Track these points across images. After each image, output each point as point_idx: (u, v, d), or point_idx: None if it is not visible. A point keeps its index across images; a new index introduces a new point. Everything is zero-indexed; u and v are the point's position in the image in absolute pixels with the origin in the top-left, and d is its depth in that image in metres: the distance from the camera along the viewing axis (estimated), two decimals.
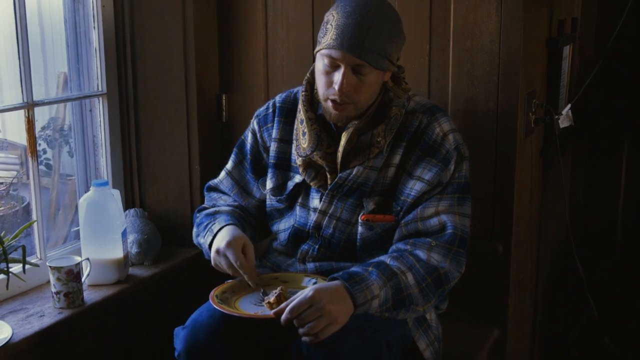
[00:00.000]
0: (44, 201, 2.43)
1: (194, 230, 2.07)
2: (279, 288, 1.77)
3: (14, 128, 2.41)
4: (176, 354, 1.82)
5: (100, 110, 2.46)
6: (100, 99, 2.45)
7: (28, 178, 2.26)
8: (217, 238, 1.90)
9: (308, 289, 1.68)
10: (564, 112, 2.45)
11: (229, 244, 1.84)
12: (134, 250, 2.36)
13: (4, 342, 1.85)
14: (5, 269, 1.80)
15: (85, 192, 2.39)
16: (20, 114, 2.16)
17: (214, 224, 1.96)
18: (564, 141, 2.66)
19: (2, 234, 1.81)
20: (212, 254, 1.88)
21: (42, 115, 2.45)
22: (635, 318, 2.63)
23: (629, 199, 2.92)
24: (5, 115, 2.30)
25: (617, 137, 2.93)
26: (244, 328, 1.80)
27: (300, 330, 1.65)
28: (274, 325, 1.70)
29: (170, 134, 2.50)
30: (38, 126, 2.25)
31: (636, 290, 2.77)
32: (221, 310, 1.76)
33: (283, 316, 1.65)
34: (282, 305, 1.68)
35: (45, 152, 2.54)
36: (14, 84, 2.17)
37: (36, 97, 2.17)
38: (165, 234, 2.51)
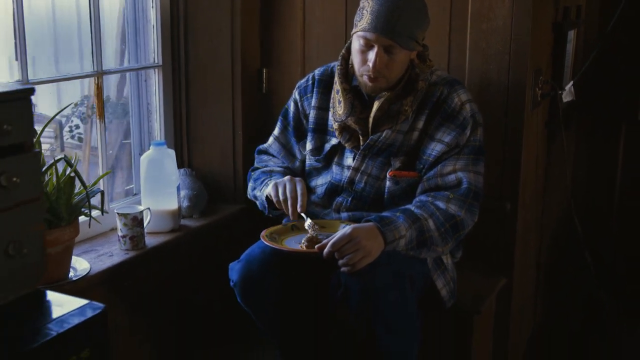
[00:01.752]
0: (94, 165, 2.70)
1: (250, 184, 2.39)
2: (305, 235, 2.09)
3: (45, 102, 2.66)
4: (232, 284, 2.15)
5: (155, 81, 2.78)
6: (156, 70, 2.76)
7: (94, 139, 2.57)
8: (270, 184, 2.22)
9: (347, 227, 2.00)
10: (567, 88, 2.76)
11: (290, 179, 2.18)
12: (185, 204, 2.68)
13: (84, 274, 2.17)
14: (88, 211, 2.11)
15: (139, 154, 2.72)
16: (52, 88, 2.42)
17: (271, 179, 2.28)
18: (568, 116, 2.96)
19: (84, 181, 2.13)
20: (274, 186, 2.19)
21: (74, 93, 2.69)
22: (628, 276, 2.93)
23: (627, 173, 3.23)
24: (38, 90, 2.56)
25: (615, 116, 3.23)
26: (290, 261, 2.12)
27: (340, 262, 1.97)
28: (316, 259, 2.02)
29: (217, 103, 2.81)
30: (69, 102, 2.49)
31: (631, 251, 3.07)
32: (271, 246, 2.08)
33: (326, 249, 1.97)
34: (325, 241, 2.00)
35: (78, 127, 2.79)
36: (87, 55, 2.48)
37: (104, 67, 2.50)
38: (211, 191, 2.83)
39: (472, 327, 2.44)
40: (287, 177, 2.23)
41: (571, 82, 2.79)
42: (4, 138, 1.18)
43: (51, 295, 1.30)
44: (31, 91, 1.24)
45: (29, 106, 1.22)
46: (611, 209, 3.24)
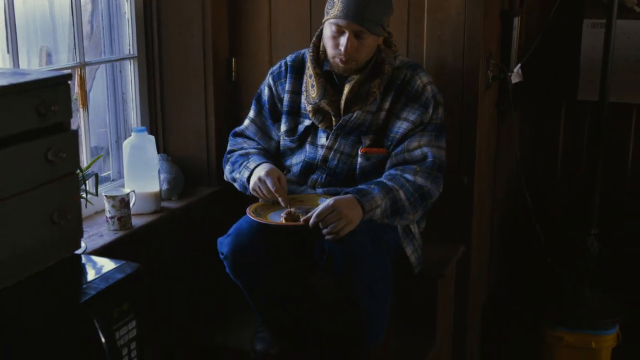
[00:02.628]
0: None
1: (228, 167, 2.55)
2: (284, 211, 2.29)
3: None
4: (222, 256, 2.33)
5: (130, 71, 2.92)
6: (132, 61, 2.91)
7: (80, 127, 2.70)
8: (255, 171, 2.39)
9: (329, 199, 2.20)
10: (515, 70, 3.01)
11: (268, 173, 2.35)
12: (164, 187, 2.84)
13: (82, 251, 2.32)
14: (85, 193, 2.26)
15: (116, 142, 2.87)
16: None
17: (249, 162, 2.45)
18: (515, 98, 3.21)
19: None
20: (253, 182, 2.36)
21: None
22: (572, 242, 3.20)
23: (567, 146, 3.51)
24: None
25: (557, 96, 3.51)
26: (275, 234, 2.31)
27: (324, 231, 2.17)
28: (302, 230, 2.22)
29: (190, 91, 2.96)
30: None
31: (574, 217, 3.34)
32: (258, 221, 2.27)
33: (311, 220, 2.17)
34: (310, 213, 2.20)
35: None
36: (69, 48, 2.61)
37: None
38: (186, 175, 2.99)
39: (436, 290, 2.68)
40: (263, 173, 2.39)
41: (519, 65, 3.04)
42: (51, 118, 1.33)
43: (88, 259, 1.46)
44: (70, 76, 1.39)
45: (68, 89, 1.38)
46: (555, 179, 3.52)
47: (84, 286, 1.36)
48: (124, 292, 1.39)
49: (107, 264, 1.44)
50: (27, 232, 1.30)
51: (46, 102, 1.32)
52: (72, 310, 1.31)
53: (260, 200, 2.45)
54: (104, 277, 1.38)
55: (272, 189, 2.34)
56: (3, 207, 1.24)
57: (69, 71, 1.40)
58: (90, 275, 1.39)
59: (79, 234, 1.44)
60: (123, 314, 1.38)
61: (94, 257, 1.46)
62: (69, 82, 1.37)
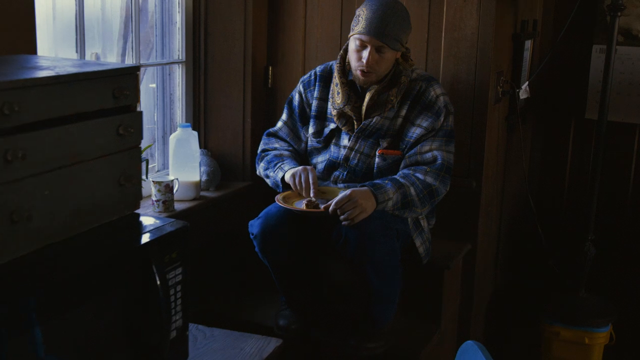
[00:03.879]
0: None
1: (262, 164, 2.87)
2: (306, 199, 2.61)
3: None
4: (252, 236, 2.66)
5: (179, 74, 3.28)
6: (180, 65, 3.27)
7: None
8: (289, 170, 2.72)
9: (346, 190, 2.53)
10: (523, 87, 3.31)
11: (304, 169, 2.68)
12: (203, 178, 3.18)
13: None
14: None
15: (162, 137, 3.23)
16: None
17: (284, 164, 2.77)
18: (524, 112, 3.52)
19: None
20: (293, 171, 2.68)
21: None
22: (572, 246, 3.48)
23: (575, 160, 3.80)
24: None
25: (567, 112, 3.80)
26: (299, 219, 2.64)
27: (341, 217, 2.50)
28: (322, 216, 2.55)
29: (230, 94, 3.31)
30: None
31: (576, 224, 3.62)
32: (286, 207, 2.60)
33: (331, 207, 2.50)
34: (329, 202, 2.52)
35: None
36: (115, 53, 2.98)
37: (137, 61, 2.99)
38: (223, 169, 3.33)
39: (442, 280, 2.98)
40: (300, 168, 2.73)
41: (527, 82, 3.34)
42: (123, 100, 1.67)
43: (144, 217, 1.79)
44: (138, 68, 1.73)
45: (137, 79, 1.71)
46: (562, 189, 3.82)
47: (142, 235, 1.69)
48: (173, 242, 1.71)
49: (160, 220, 1.77)
50: (101, 189, 1.64)
51: (120, 87, 1.66)
52: (133, 252, 1.64)
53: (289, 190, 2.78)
54: (158, 229, 1.71)
55: (310, 180, 2.66)
56: (85, 167, 1.58)
57: (137, 64, 1.74)
58: (147, 227, 1.72)
59: (139, 196, 1.77)
60: (172, 260, 1.71)
61: (150, 216, 1.80)
62: (137, 73, 1.72)
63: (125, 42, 2.98)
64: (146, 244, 1.65)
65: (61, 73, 1.53)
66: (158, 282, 1.64)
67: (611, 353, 3.39)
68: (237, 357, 1.88)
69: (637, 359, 3.58)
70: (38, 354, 1.40)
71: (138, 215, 1.78)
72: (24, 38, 2.07)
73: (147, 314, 1.67)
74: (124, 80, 1.68)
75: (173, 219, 1.78)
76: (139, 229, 1.71)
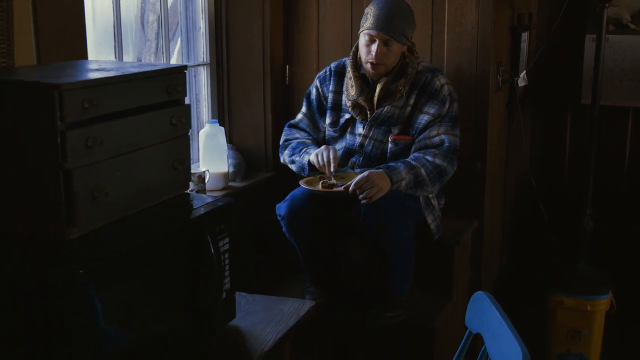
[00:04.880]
0: None
1: (287, 152, 3.13)
2: (321, 182, 2.89)
3: None
4: (280, 217, 2.94)
5: (204, 76, 3.56)
6: (205, 67, 3.55)
7: None
8: (313, 153, 2.98)
9: (364, 172, 2.80)
10: (521, 75, 3.59)
11: (326, 147, 2.96)
12: (230, 170, 3.46)
13: None
14: None
15: (189, 134, 3.50)
16: None
17: (308, 149, 3.05)
18: (524, 99, 3.79)
19: None
20: (317, 151, 2.95)
21: None
22: (573, 221, 3.74)
23: (573, 143, 4.08)
24: None
25: (563, 99, 4.08)
26: (322, 200, 2.91)
27: (360, 196, 2.77)
28: (342, 196, 2.82)
29: (251, 92, 3.59)
30: None
31: (575, 201, 3.87)
32: (310, 189, 2.88)
33: (350, 187, 2.78)
34: (348, 182, 2.80)
35: None
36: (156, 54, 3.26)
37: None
38: (248, 161, 3.61)
39: (453, 255, 3.25)
40: (323, 147, 3.01)
41: (524, 71, 3.62)
42: (174, 94, 1.94)
43: (194, 195, 2.07)
44: (186, 67, 2.01)
45: (184, 76, 1.99)
46: (562, 170, 4.09)
47: (194, 210, 1.97)
48: (221, 215, 1.98)
49: (209, 198, 2.05)
50: (159, 172, 1.91)
51: (172, 84, 1.93)
52: (190, 223, 1.92)
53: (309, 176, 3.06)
54: (208, 204, 1.99)
55: (331, 157, 2.93)
56: (146, 152, 1.86)
57: (185, 64, 2.02)
58: (199, 204, 2.00)
59: (189, 178, 2.04)
60: (221, 231, 1.98)
61: (199, 194, 2.08)
62: (185, 71, 2.00)
63: (157, 47, 3.26)
64: (201, 216, 1.92)
65: (126, 73, 1.81)
66: (212, 250, 1.92)
67: (613, 320, 3.64)
68: (277, 315, 2.15)
69: (637, 325, 3.84)
70: (99, 324, 1.65)
71: (189, 194, 2.06)
72: (78, 46, 2.35)
73: (200, 279, 1.95)
74: (174, 78, 1.96)
75: (219, 197, 2.06)
76: (192, 205, 1.99)
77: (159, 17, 3.24)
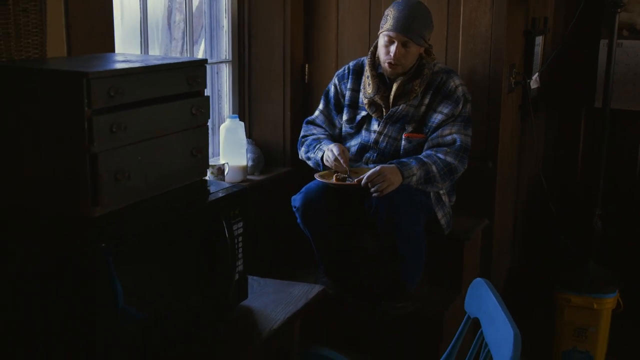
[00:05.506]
0: None
1: (303, 149, 3.27)
2: (335, 175, 3.00)
3: None
4: (295, 209, 3.06)
5: (226, 72, 3.69)
6: (227, 64, 3.68)
7: None
8: (326, 149, 3.11)
9: (376, 167, 2.91)
10: (533, 77, 3.68)
11: (337, 145, 3.08)
12: (249, 163, 3.59)
13: None
14: None
15: (211, 129, 3.63)
16: None
17: (321, 145, 3.17)
18: (537, 101, 3.88)
19: None
20: (326, 152, 3.08)
21: None
22: (583, 221, 3.82)
23: (586, 145, 4.16)
24: None
25: (577, 102, 4.16)
26: (335, 192, 3.03)
27: (372, 189, 2.89)
28: (355, 189, 2.94)
29: (271, 90, 3.72)
30: None
31: (586, 202, 3.95)
32: (324, 182, 2.99)
33: (363, 181, 2.89)
34: (361, 176, 2.92)
35: None
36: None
37: None
38: (266, 156, 3.73)
39: (463, 251, 3.35)
40: (331, 145, 3.13)
41: (537, 74, 3.71)
42: (195, 86, 2.07)
43: (211, 182, 2.19)
44: (206, 60, 2.14)
45: (205, 69, 2.11)
46: (574, 172, 4.18)
47: (211, 195, 2.09)
48: (236, 201, 2.11)
49: (224, 185, 2.17)
50: (178, 158, 2.04)
51: (192, 76, 2.06)
52: (206, 207, 2.04)
53: (324, 170, 3.18)
54: (224, 190, 2.11)
55: (337, 153, 3.05)
56: (166, 139, 1.98)
57: (205, 58, 2.14)
58: (215, 189, 2.12)
59: (206, 165, 2.17)
60: (235, 215, 2.10)
61: (216, 180, 2.20)
62: (205, 65, 2.12)
63: (182, 47, 3.40)
64: (216, 200, 2.05)
65: (149, 64, 1.94)
66: (226, 233, 2.04)
67: (620, 319, 3.72)
68: (287, 298, 2.27)
69: None
70: (119, 297, 1.77)
71: (206, 180, 2.18)
72: (106, 41, 2.49)
73: (215, 260, 2.07)
74: (195, 70, 2.09)
75: (234, 184, 2.18)
76: (208, 190, 2.11)
77: (185, 17, 3.38)
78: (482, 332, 2.00)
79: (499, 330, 1.85)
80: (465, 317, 2.11)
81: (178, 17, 3.43)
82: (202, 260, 2.03)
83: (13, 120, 1.81)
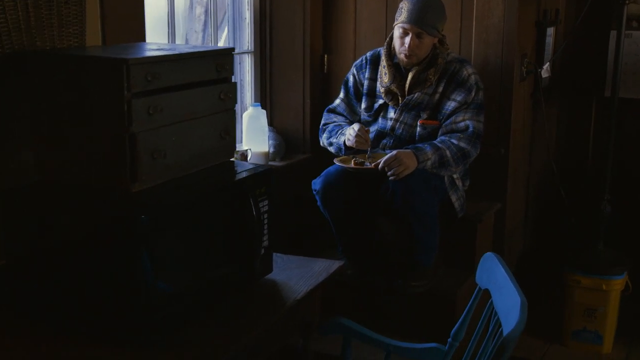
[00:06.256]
0: None
1: (325, 135, 3.42)
2: (353, 160, 3.15)
3: None
4: (315, 192, 3.21)
5: (248, 63, 3.85)
6: (249, 55, 3.83)
7: None
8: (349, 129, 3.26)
9: (393, 151, 3.06)
10: (544, 67, 3.81)
11: (357, 124, 3.24)
12: (271, 150, 3.74)
13: None
14: None
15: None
16: None
17: (343, 130, 3.33)
18: (549, 90, 4.01)
19: None
20: (349, 130, 3.24)
21: None
22: (592, 205, 3.95)
23: (597, 134, 4.28)
24: None
25: (588, 91, 4.28)
26: (354, 176, 3.18)
27: (389, 173, 3.03)
28: (373, 173, 3.09)
29: (292, 79, 3.87)
30: None
31: (596, 187, 4.08)
32: (343, 166, 3.15)
33: (380, 165, 3.04)
34: (378, 160, 3.06)
35: None
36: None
37: None
38: (287, 143, 3.89)
39: (476, 232, 3.49)
40: (353, 124, 3.28)
41: (548, 63, 3.84)
42: (223, 73, 2.22)
43: (238, 163, 2.35)
44: (233, 49, 2.29)
45: (232, 57, 2.27)
46: (584, 158, 4.32)
47: (238, 174, 2.24)
48: (262, 180, 2.25)
49: (250, 165, 2.33)
50: (208, 139, 2.19)
51: (221, 63, 2.21)
52: (235, 184, 2.19)
53: (345, 155, 3.33)
54: (250, 169, 2.25)
55: (357, 129, 3.20)
56: (197, 122, 2.13)
57: (232, 46, 2.30)
58: (242, 169, 2.27)
59: (234, 147, 2.32)
60: (261, 193, 2.25)
61: (241, 162, 2.36)
62: (232, 53, 2.28)
63: (203, 36, 3.56)
64: (244, 178, 2.20)
65: (182, 52, 2.09)
66: (253, 210, 2.19)
67: (628, 301, 3.84)
68: (309, 272, 2.41)
69: None
70: (157, 270, 1.92)
71: (233, 161, 2.34)
72: (138, 30, 2.65)
73: (243, 235, 2.22)
74: (223, 58, 2.24)
75: (259, 164, 2.34)
76: (236, 170, 2.27)
77: (207, 9, 3.53)
78: (491, 302, 2.14)
79: (507, 298, 1.99)
80: (477, 288, 2.25)
81: (199, 10, 3.58)
82: (231, 235, 2.19)
83: (58, 103, 1.97)
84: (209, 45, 2.66)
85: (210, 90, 2.20)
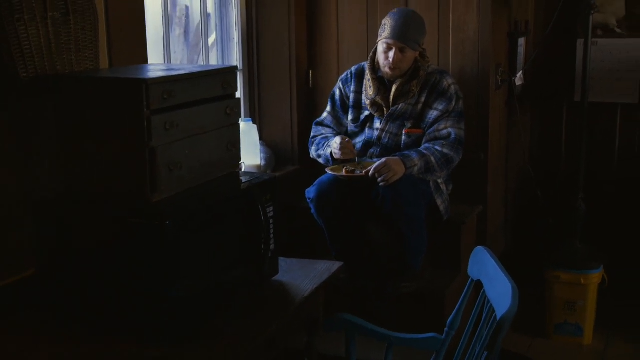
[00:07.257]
0: None
1: (313, 148, 3.61)
2: (344, 168, 3.34)
3: None
4: (309, 201, 3.39)
5: (239, 80, 4.02)
6: (239, 73, 4.01)
7: None
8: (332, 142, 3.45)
9: (382, 159, 3.26)
10: (517, 75, 4.04)
11: (339, 136, 3.43)
12: (262, 163, 3.91)
13: None
14: None
15: None
16: None
17: (329, 142, 3.51)
18: (522, 97, 4.24)
19: None
20: (333, 143, 3.42)
21: None
22: (567, 205, 4.17)
23: (569, 136, 4.52)
24: None
25: (558, 97, 4.53)
26: (346, 183, 3.36)
27: (379, 179, 3.22)
28: (364, 180, 3.27)
29: (279, 94, 4.05)
30: None
31: (570, 188, 4.29)
32: (335, 174, 3.33)
33: (371, 172, 3.23)
34: (368, 168, 3.25)
35: None
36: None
37: None
38: (276, 155, 4.06)
39: (460, 234, 3.69)
40: (335, 137, 3.48)
41: (521, 72, 4.07)
42: (228, 89, 2.39)
43: (244, 173, 2.52)
44: (236, 67, 2.47)
45: (236, 75, 2.45)
46: (558, 161, 4.55)
47: (245, 182, 2.42)
48: (267, 187, 2.42)
49: (255, 174, 2.50)
50: (216, 152, 2.36)
51: (226, 81, 2.39)
52: (244, 192, 2.36)
53: (334, 165, 3.52)
54: (256, 178, 2.43)
55: (339, 142, 3.40)
56: (207, 136, 2.30)
57: (235, 65, 2.49)
58: (249, 178, 2.44)
59: (239, 158, 2.50)
60: (267, 200, 2.43)
61: (247, 171, 2.53)
62: (236, 71, 2.46)
63: (198, 56, 3.73)
64: (252, 187, 2.38)
65: (194, 71, 2.27)
66: (261, 214, 2.37)
67: (606, 294, 4.06)
68: (312, 272, 2.59)
69: (626, 296, 4.28)
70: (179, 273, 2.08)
71: (239, 172, 2.51)
72: (140, 52, 2.83)
73: (252, 239, 2.39)
74: (228, 76, 2.41)
75: (264, 173, 2.52)
76: (242, 179, 2.44)
77: (185, 30, 3.71)
78: (484, 292, 2.33)
79: (499, 287, 2.18)
80: (469, 280, 2.44)
81: (178, 31, 3.76)
82: (241, 239, 2.36)
83: (83, 120, 2.14)
84: (215, 65, 2.83)
85: (218, 106, 2.37)
